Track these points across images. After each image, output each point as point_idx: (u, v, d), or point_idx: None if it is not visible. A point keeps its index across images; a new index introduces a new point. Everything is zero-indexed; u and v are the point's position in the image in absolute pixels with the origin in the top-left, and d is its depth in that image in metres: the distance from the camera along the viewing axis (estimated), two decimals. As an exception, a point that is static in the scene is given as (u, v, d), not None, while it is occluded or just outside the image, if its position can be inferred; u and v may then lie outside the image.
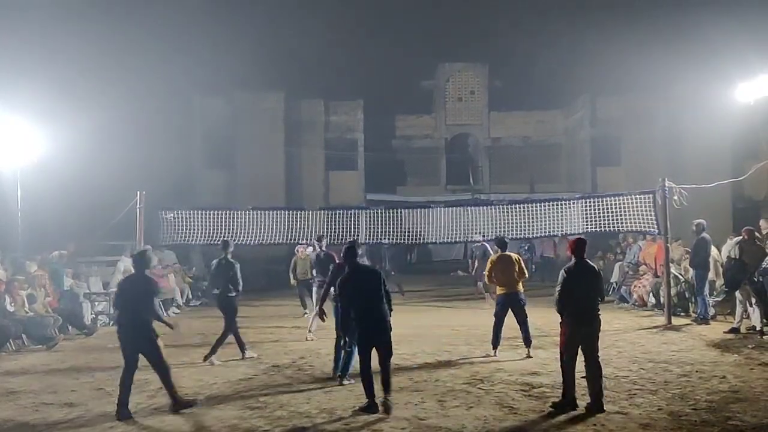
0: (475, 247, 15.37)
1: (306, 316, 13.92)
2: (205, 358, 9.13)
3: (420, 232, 14.52)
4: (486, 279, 9.87)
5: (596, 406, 6.49)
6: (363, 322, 6.71)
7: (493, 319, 9.42)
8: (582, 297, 6.66)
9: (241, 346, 9.53)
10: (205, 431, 6.19)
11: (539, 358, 8.97)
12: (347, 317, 6.85)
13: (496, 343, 9.33)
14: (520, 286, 9.39)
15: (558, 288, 6.78)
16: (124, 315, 6.89)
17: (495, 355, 9.20)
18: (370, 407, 6.58)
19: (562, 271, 6.83)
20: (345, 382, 7.69)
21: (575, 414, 6.43)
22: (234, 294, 9.42)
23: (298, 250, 14.16)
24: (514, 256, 9.55)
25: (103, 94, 21.27)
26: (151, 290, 6.95)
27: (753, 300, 10.49)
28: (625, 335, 10.79)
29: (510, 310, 9.29)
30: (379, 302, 6.75)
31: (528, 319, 9.31)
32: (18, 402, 7.27)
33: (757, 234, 11.15)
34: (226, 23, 31.59)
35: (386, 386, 6.67)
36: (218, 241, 13.89)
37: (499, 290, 9.43)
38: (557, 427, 6.12)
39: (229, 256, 9.58)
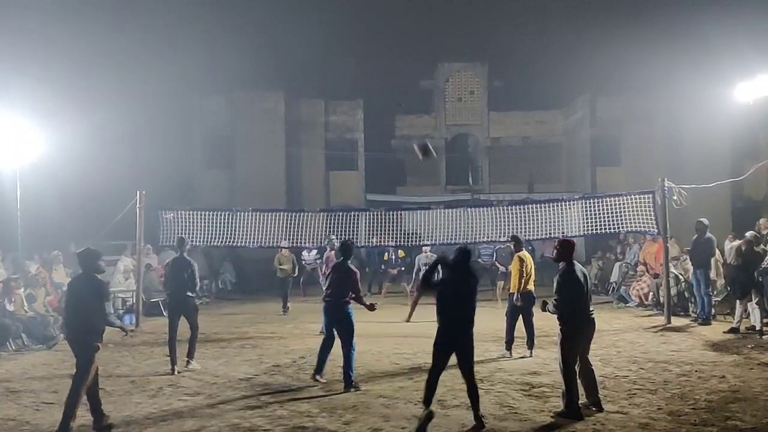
0: (498, 249, 15.28)
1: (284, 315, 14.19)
2: (187, 363, 8.71)
3: (420, 233, 14.53)
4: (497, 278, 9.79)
5: (595, 404, 6.50)
6: (449, 323, 6.33)
7: (506, 318, 9.37)
8: (583, 300, 6.60)
9: (173, 357, 8.75)
10: (206, 430, 6.20)
11: (539, 358, 8.98)
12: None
13: (510, 341, 9.27)
14: (531, 285, 9.35)
15: (557, 296, 6.58)
16: (72, 321, 6.32)
17: (510, 356, 9.15)
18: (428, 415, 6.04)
19: (558, 278, 6.63)
20: (352, 390, 7.49)
21: (575, 413, 6.44)
22: (192, 295, 8.89)
23: (281, 249, 14.37)
24: (528, 255, 9.56)
25: (103, 94, 21.28)
26: (101, 294, 6.34)
27: (753, 300, 10.50)
28: (625, 335, 10.81)
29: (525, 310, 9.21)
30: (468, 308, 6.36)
31: (533, 318, 9.24)
32: (19, 401, 7.28)
33: (756, 234, 11.17)
34: (226, 23, 31.58)
35: (473, 401, 6.20)
36: (218, 242, 14.06)
37: (512, 288, 9.34)
38: (557, 427, 6.13)
39: (185, 254, 9.06)
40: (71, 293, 6.44)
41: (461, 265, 6.47)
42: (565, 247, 6.74)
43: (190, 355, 8.80)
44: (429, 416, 6.03)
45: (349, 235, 14.06)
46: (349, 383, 7.53)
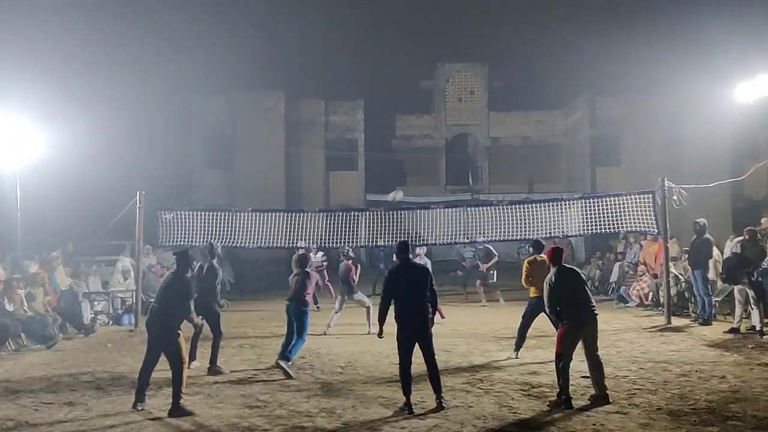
0: (478, 249, 15.38)
1: (318, 310, 14.24)
2: (210, 370, 8.66)
3: (420, 233, 14.50)
4: (522, 281, 9.39)
5: (602, 398, 6.71)
6: (405, 317, 6.77)
7: (521, 319, 9.25)
8: (578, 298, 6.85)
9: (192, 353, 8.92)
10: (205, 430, 6.19)
11: (539, 358, 8.96)
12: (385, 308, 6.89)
13: (520, 344, 9.17)
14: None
15: (546, 298, 7.03)
16: (157, 311, 7.01)
17: (516, 357, 9.10)
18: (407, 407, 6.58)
19: (547, 281, 7.03)
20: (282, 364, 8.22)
21: (575, 413, 6.44)
22: (214, 302, 9.08)
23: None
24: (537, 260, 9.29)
25: (103, 94, 21.29)
26: (189, 293, 7.12)
27: (752, 300, 10.48)
28: (625, 335, 10.79)
29: (544, 313, 9.06)
30: (422, 298, 6.83)
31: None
32: (18, 401, 7.27)
33: (758, 234, 11.15)
34: (225, 23, 31.60)
35: (434, 385, 6.74)
36: (217, 242, 13.98)
37: (532, 293, 9.15)
38: (557, 427, 6.12)
39: (214, 262, 9.21)
40: (164, 288, 7.17)
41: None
42: (554, 253, 7.18)
43: (212, 361, 8.72)
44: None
45: (348, 235, 14.02)
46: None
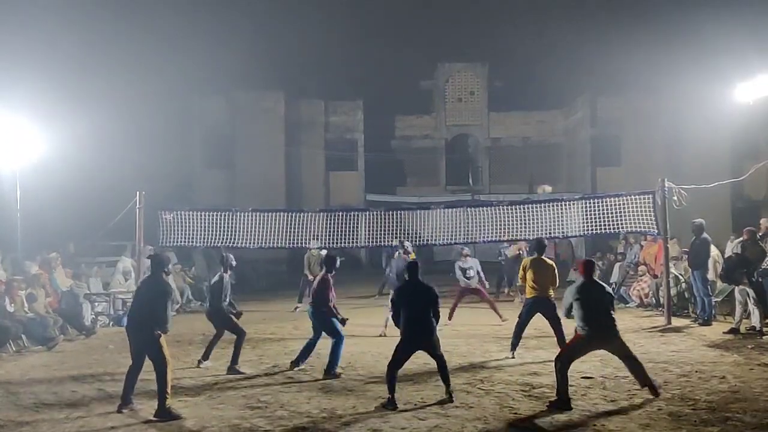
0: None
1: (297, 310, 14.35)
2: (229, 369, 8.68)
3: (420, 233, 14.50)
4: (519, 279, 9.67)
5: (653, 393, 6.88)
6: (409, 331, 7.07)
7: (517, 319, 9.29)
8: (600, 311, 6.89)
9: (206, 353, 9.19)
10: (206, 430, 6.19)
11: (539, 358, 8.97)
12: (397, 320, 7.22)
13: (515, 343, 9.18)
14: (551, 292, 9.17)
15: (569, 303, 7.03)
16: (136, 314, 6.96)
17: (513, 357, 9.08)
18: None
19: (571, 291, 7.05)
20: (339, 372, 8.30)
21: (575, 414, 6.45)
22: (222, 307, 9.16)
23: (310, 249, 14.41)
24: (550, 261, 9.33)
25: (102, 94, 21.29)
26: (165, 293, 7.02)
27: (752, 300, 10.49)
28: (625, 336, 10.63)
29: (540, 314, 9.06)
30: (426, 316, 7.11)
31: (560, 323, 8.95)
32: (19, 403, 7.27)
33: (758, 234, 11.16)
34: (225, 23, 31.65)
35: (444, 379, 7.10)
36: (218, 243, 13.98)
37: (529, 293, 9.20)
38: (557, 428, 6.13)
39: (225, 274, 9.24)
40: (141, 290, 7.21)
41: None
42: (586, 266, 7.25)
43: (233, 361, 8.77)
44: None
45: (349, 235, 14.03)
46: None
